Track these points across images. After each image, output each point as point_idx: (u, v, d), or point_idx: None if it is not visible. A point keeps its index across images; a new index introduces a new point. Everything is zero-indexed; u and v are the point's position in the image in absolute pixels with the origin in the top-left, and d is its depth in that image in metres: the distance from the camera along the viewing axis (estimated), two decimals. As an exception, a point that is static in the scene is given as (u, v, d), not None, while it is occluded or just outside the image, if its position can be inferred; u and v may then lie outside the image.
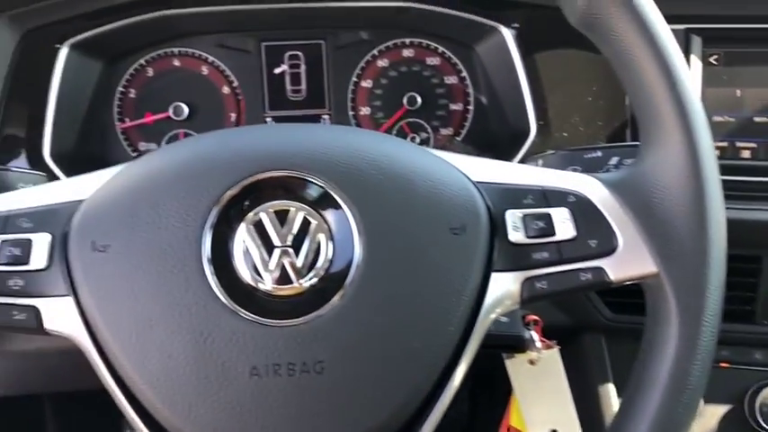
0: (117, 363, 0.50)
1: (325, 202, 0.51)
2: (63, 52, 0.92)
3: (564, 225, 0.54)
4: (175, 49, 1.03)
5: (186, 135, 1.03)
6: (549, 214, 0.54)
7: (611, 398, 1.02)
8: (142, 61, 1.02)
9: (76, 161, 0.95)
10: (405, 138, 1.05)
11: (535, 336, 0.77)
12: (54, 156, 0.92)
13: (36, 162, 0.91)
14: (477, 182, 0.56)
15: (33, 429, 1.30)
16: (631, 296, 0.94)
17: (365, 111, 1.05)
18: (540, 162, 0.71)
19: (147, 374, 0.49)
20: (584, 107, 0.95)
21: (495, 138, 1.03)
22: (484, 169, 0.57)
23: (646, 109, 0.54)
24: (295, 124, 0.59)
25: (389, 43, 1.05)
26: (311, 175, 0.51)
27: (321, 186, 0.51)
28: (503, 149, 0.98)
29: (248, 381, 0.48)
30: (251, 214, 0.51)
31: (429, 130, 1.06)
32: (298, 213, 0.51)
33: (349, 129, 0.57)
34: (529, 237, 0.54)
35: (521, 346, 0.75)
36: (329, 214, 0.51)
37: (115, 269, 0.50)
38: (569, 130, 0.95)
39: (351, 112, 1.05)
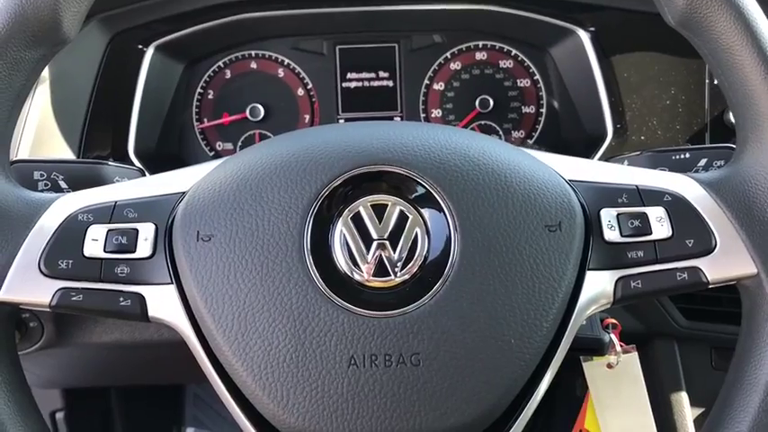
0: (218, 351, 0.51)
1: (422, 197, 0.52)
2: (148, 54, 0.95)
3: (660, 224, 0.54)
4: (252, 52, 1.05)
5: (261, 136, 1.05)
6: (645, 213, 0.54)
7: (683, 405, 1.00)
8: (221, 63, 1.05)
9: (157, 159, 0.98)
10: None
11: (615, 339, 0.76)
12: (137, 153, 0.95)
13: (120, 159, 0.94)
14: (571, 180, 0.56)
15: (101, 420, 1.34)
16: (706, 303, 0.93)
17: (437, 113, 1.06)
18: (626, 162, 0.70)
19: (248, 362, 0.50)
20: (662, 110, 0.94)
21: (569, 141, 1.03)
22: (576, 168, 0.57)
23: (745, 108, 0.54)
24: (393, 122, 0.60)
25: (462, 46, 1.05)
26: (408, 170, 0.52)
27: (418, 182, 0.52)
28: (576, 153, 0.97)
29: (346, 371, 0.49)
30: (350, 207, 0.52)
31: (501, 132, 1.06)
32: (395, 207, 0.52)
33: (444, 126, 0.58)
34: (624, 236, 0.54)
35: (600, 349, 0.74)
36: (426, 209, 0.52)
37: (218, 258, 0.51)
38: (647, 133, 0.94)
39: (422, 115, 1.06)
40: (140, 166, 0.93)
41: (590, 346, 0.73)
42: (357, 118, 1.06)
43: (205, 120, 1.05)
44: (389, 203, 0.52)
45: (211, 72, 1.05)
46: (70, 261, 0.52)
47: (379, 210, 0.52)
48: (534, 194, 0.53)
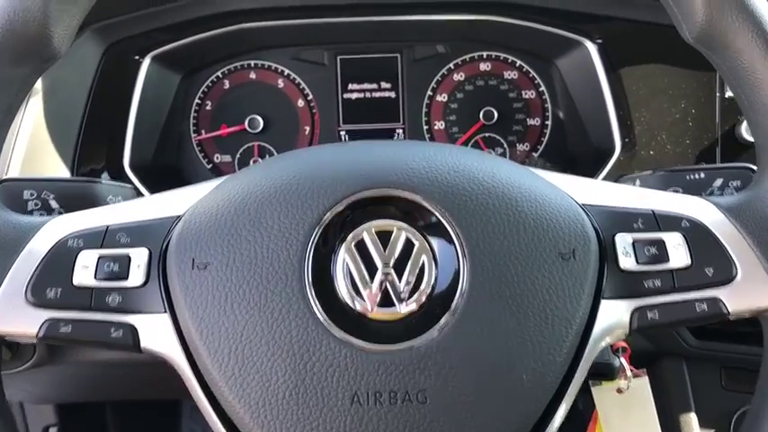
0: (214, 385, 0.48)
1: (428, 222, 0.50)
2: (144, 64, 0.92)
3: (677, 251, 0.51)
4: (252, 62, 1.03)
5: (260, 148, 1.03)
6: (662, 240, 0.51)
7: (692, 426, 0.98)
8: (219, 74, 1.02)
9: (153, 172, 0.96)
10: (480, 153, 1.03)
11: (625, 363, 0.74)
12: (132, 167, 0.93)
13: (115, 173, 0.92)
14: (584, 204, 0.53)
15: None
16: (716, 323, 0.90)
17: (440, 125, 1.04)
18: (638, 182, 0.68)
19: (245, 398, 0.47)
20: (672, 125, 0.92)
21: (575, 155, 1.00)
22: (589, 190, 0.55)
23: (766, 128, 0.51)
24: (398, 141, 0.57)
25: (466, 57, 1.03)
26: (415, 194, 0.50)
27: (425, 207, 0.50)
28: (583, 167, 0.95)
29: (349, 408, 0.47)
30: (353, 233, 0.49)
31: (505, 145, 1.03)
32: (401, 233, 0.49)
33: (452, 146, 0.56)
34: (640, 263, 0.51)
35: (610, 374, 0.72)
36: (433, 236, 0.49)
37: (214, 288, 0.49)
38: (656, 148, 0.91)
39: (425, 126, 1.04)
40: (135, 181, 0.91)
41: (600, 371, 0.71)
42: (359, 130, 1.04)
43: (203, 131, 1.03)
44: (395, 229, 0.49)
45: (209, 82, 1.02)
46: (59, 289, 0.50)
47: (384, 236, 0.49)
48: (547, 220, 0.50)
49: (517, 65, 1.03)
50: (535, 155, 1.04)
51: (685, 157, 0.91)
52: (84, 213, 0.54)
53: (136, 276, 0.51)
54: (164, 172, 0.98)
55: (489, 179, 0.51)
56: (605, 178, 0.89)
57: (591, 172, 0.92)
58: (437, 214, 0.49)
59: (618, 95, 0.91)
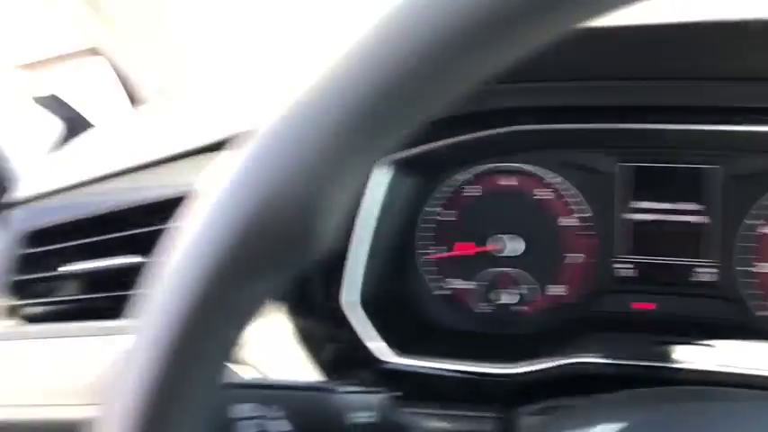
0: None
1: None
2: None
3: None
4: (503, 165, 0.79)
5: (508, 279, 0.78)
6: None
7: None
8: (458, 177, 0.79)
9: (380, 308, 0.73)
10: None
11: None
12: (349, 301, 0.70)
13: (326, 308, 0.69)
14: None
15: None
16: None
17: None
18: None
19: None
20: None
21: None
22: None
23: None
24: None
25: (811, 173, 0.73)
26: None
27: None
28: None
29: None
30: None
31: None
32: None
33: None
34: None
35: None
36: None
37: None
38: None
39: (738, 267, 0.74)
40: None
41: None
42: (652, 264, 0.76)
43: (431, 249, 0.80)
44: None
45: (451, 191, 0.79)
46: None
47: None
48: None
49: None
50: None
51: None
52: None
53: None
54: (385, 303, 0.75)
55: None
56: None
57: None
58: None
59: None
